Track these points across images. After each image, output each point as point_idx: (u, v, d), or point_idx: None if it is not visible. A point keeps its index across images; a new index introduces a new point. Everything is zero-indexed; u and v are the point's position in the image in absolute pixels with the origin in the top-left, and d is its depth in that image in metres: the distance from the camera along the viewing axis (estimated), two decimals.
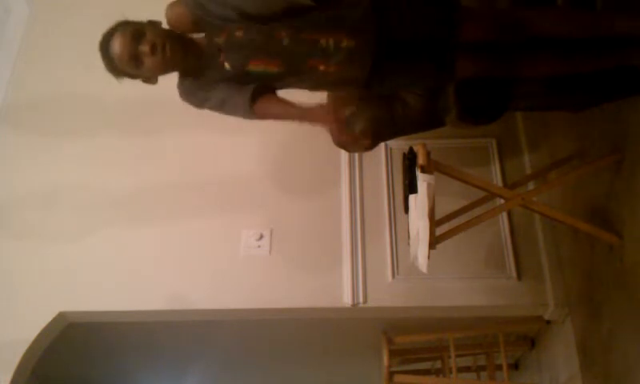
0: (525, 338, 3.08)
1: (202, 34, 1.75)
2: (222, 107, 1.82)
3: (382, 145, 2.82)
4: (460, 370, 2.89)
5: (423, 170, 1.96)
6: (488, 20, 1.78)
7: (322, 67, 1.71)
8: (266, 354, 3.67)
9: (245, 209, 2.80)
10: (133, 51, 1.65)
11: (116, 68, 1.70)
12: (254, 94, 1.75)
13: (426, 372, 3.10)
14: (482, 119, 2.18)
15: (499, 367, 2.80)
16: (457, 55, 1.77)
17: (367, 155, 2.85)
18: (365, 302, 2.60)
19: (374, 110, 2.12)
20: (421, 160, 1.97)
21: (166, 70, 1.71)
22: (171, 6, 1.72)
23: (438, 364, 3.06)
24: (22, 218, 2.81)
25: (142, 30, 1.65)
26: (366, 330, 3.11)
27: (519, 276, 2.64)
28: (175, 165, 2.91)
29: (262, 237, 2.71)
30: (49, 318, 2.58)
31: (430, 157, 1.99)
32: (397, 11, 1.71)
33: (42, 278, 2.66)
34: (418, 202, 2.03)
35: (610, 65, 1.89)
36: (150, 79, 1.75)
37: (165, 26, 1.75)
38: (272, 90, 1.81)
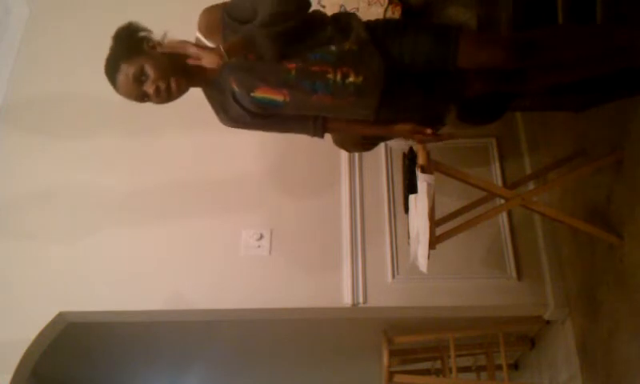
0: (525, 338, 3.08)
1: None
2: (283, 129, 1.91)
3: (382, 145, 2.82)
4: (460, 370, 2.89)
5: (423, 170, 1.96)
6: (492, 46, 1.73)
7: (328, 101, 1.71)
8: (266, 354, 3.67)
9: (245, 209, 2.80)
10: (138, 93, 1.66)
11: (126, 98, 1.72)
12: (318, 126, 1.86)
13: (426, 372, 3.10)
14: (482, 119, 2.18)
15: (499, 367, 2.80)
16: (461, 81, 1.77)
17: (367, 155, 2.85)
18: (365, 302, 2.60)
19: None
20: (421, 160, 1.97)
21: (174, 100, 1.71)
22: (208, 10, 1.70)
23: (438, 364, 3.06)
24: (21, 218, 2.81)
25: (143, 69, 1.63)
26: (366, 330, 3.11)
27: (519, 276, 2.64)
28: (175, 165, 2.91)
29: (261, 237, 2.72)
30: (49, 318, 2.58)
31: (430, 157, 1.99)
32: (397, 44, 1.69)
33: (41, 278, 2.67)
34: (418, 202, 2.03)
35: (613, 69, 1.88)
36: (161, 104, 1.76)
37: (165, 38, 1.71)
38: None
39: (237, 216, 2.78)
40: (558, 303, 2.60)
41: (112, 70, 1.66)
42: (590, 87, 2.03)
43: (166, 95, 1.66)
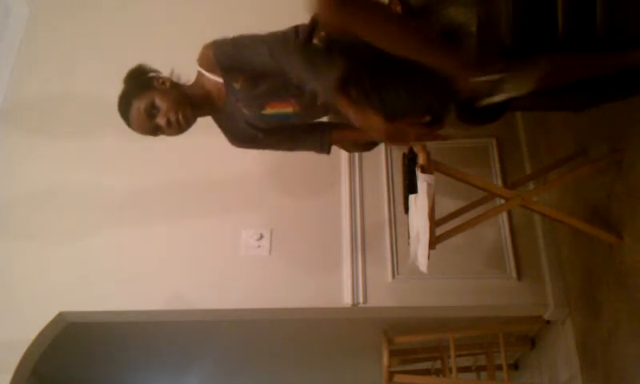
0: (525, 338, 3.08)
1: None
2: (293, 146, 1.96)
3: (382, 145, 2.82)
4: (460, 370, 2.89)
5: (423, 170, 1.96)
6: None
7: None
8: (266, 354, 3.67)
9: (245, 209, 2.80)
10: (150, 126, 1.71)
11: (139, 133, 1.77)
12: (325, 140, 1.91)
13: (426, 372, 3.10)
14: (482, 119, 2.18)
15: (499, 367, 2.80)
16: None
17: (367, 155, 2.85)
18: (365, 302, 2.60)
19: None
20: (421, 160, 1.97)
21: (185, 130, 1.75)
22: (204, 47, 1.72)
23: (438, 364, 3.06)
24: (22, 218, 2.81)
25: (154, 103, 1.68)
26: (366, 330, 3.11)
27: (519, 276, 2.64)
28: (175, 165, 2.91)
29: (261, 237, 2.72)
30: (49, 318, 2.58)
31: (430, 157, 1.99)
32: (395, 92, 1.70)
33: (41, 278, 2.67)
34: (418, 202, 2.03)
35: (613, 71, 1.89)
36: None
37: (174, 76, 1.76)
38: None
39: (237, 216, 2.78)
40: (558, 303, 2.60)
41: (124, 107, 1.72)
42: (590, 87, 2.03)
43: (177, 126, 1.70)
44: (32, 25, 3.28)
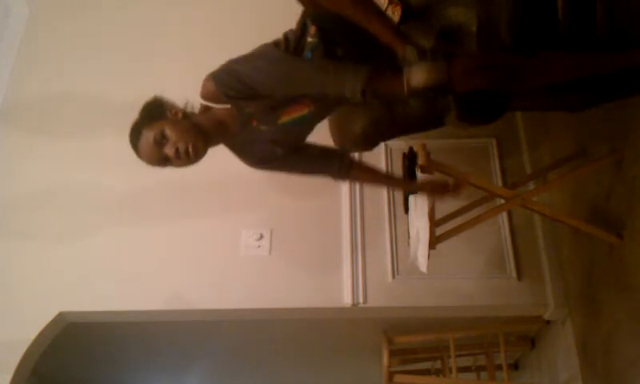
0: (525, 338, 3.08)
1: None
2: (306, 173, 1.99)
3: (382, 145, 2.82)
4: (460, 370, 2.89)
5: (423, 170, 1.96)
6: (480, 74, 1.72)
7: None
8: (266, 354, 3.67)
9: (245, 209, 2.80)
10: (159, 156, 1.66)
11: (149, 164, 1.72)
12: (343, 166, 1.91)
13: (426, 372, 3.10)
14: (482, 119, 2.18)
15: (499, 367, 2.80)
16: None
17: (367, 155, 2.83)
18: (365, 302, 2.60)
19: (375, 111, 2.12)
20: (421, 160, 1.97)
21: (194, 162, 1.71)
22: (205, 80, 1.70)
23: (438, 364, 3.06)
24: (21, 218, 2.81)
25: (164, 133, 1.63)
26: (366, 330, 3.11)
27: (519, 276, 2.64)
28: None
29: (261, 237, 2.72)
30: (49, 318, 2.58)
31: (430, 157, 1.99)
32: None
33: (41, 278, 2.67)
34: (418, 202, 2.03)
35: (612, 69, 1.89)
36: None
37: (188, 106, 1.73)
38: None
39: (237, 216, 2.78)
40: (558, 303, 2.60)
41: (135, 136, 1.67)
42: (590, 87, 2.03)
43: (185, 157, 1.64)
44: (32, 25, 3.28)
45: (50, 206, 2.81)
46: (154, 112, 1.68)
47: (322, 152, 1.93)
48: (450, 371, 2.81)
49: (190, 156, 1.64)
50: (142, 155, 1.68)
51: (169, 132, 1.63)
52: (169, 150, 1.63)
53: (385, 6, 2.21)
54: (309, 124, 1.83)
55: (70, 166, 2.90)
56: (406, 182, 2.12)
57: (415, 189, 2.07)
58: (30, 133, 3.00)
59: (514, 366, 3.35)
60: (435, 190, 1.98)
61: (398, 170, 2.66)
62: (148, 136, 1.64)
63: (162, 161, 1.67)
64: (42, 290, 2.64)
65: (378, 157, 2.87)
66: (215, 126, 1.69)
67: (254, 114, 1.71)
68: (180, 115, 1.67)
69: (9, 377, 2.47)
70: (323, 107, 1.78)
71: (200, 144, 1.65)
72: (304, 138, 1.90)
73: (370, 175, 2.09)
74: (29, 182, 2.87)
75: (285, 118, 1.72)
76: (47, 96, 3.08)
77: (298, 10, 1.74)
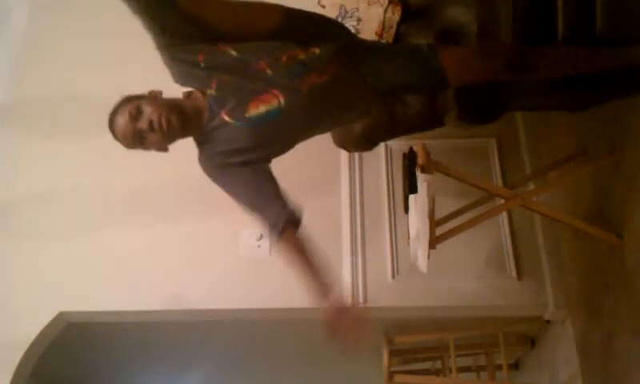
0: (525, 338, 3.08)
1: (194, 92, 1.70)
2: (251, 212, 1.82)
3: (382, 145, 2.82)
4: (460, 370, 2.89)
5: (423, 170, 1.96)
6: (482, 65, 1.75)
7: (316, 79, 1.65)
8: (266, 354, 3.67)
9: None
10: (133, 130, 1.63)
11: (127, 146, 1.70)
12: (286, 223, 1.77)
13: (426, 372, 3.10)
14: (482, 119, 2.18)
15: (499, 367, 2.79)
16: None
17: (367, 155, 2.85)
18: (365, 302, 2.60)
19: (375, 111, 2.12)
20: (421, 160, 1.97)
21: (170, 140, 1.69)
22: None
23: (438, 364, 3.06)
24: (21, 218, 2.81)
25: (139, 107, 1.62)
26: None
27: (519, 276, 2.64)
28: (175, 164, 2.90)
29: (261, 237, 2.71)
30: (49, 318, 2.58)
31: (430, 157, 1.99)
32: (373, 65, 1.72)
33: (41, 278, 2.67)
34: (418, 202, 2.03)
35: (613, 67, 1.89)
36: (161, 149, 1.75)
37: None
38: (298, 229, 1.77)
39: (237, 216, 2.76)
40: (558, 303, 2.60)
41: (112, 116, 1.66)
42: (590, 87, 2.03)
43: (159, 130, 1.61)
44: (32, 25, 3.28)
45: (50, 206, 2.81)
46: (134, 95, 1.68)
47: (276, 195, 1.80)
48: (450, 371, 2.81)
49: (163, 128, 1.60)
50: (118, 133, 1.66)
51: (145, 107, 1.61)
52: (142, 123, 1.61)
53: (385, 5, 2.22)
54: (282, 128, 1.72)
55: (70, 166, 2.90)
56: (319, 295, 1.84)
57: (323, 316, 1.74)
58: (30, 133, 3.00)
59: (514, 366, 3.35)
60: (332, 326, 1.69)
61: (398, 169, 2.67)
62: (124, 112, 1.63)
63: (137, 137, 1.64)
64: (42, 290, 2.64)
65: (378, 157, 2.87)
66: (193, 111, 1.65)
67: (218, 96, 1.65)
68: (160, 95, 1.67)
69: (9, 377, 2.47)
70: (297, 104, 1.67)
71: (174, 118, 1.61)
72: (275, 151, 1.79)
73: (297, 258, 1.83)
74: (29, 182, 2.87)
75: (252, 111, 1.64)
76: (47, 96, 3.08)
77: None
